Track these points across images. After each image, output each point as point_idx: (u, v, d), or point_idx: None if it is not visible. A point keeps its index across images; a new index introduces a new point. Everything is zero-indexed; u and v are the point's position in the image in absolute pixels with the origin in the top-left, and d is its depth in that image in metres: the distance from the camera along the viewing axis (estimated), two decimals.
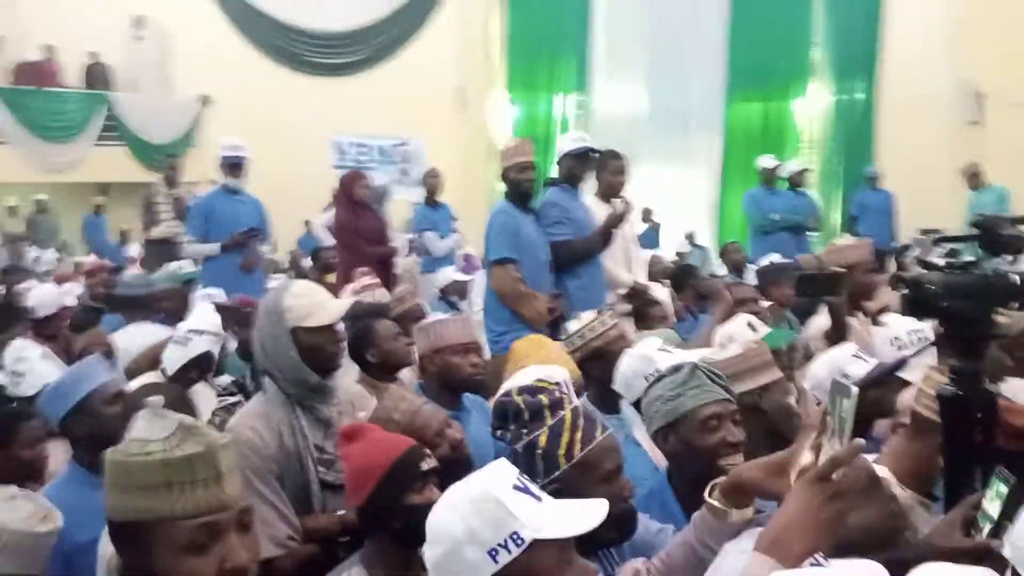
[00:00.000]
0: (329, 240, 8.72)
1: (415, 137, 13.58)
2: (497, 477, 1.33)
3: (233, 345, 4.08)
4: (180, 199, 6.96)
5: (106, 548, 1.96)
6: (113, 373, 2.63)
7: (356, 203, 5.69)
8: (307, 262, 8.81)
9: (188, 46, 13.63)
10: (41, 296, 4.77)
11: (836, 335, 3.32)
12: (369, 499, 1.83)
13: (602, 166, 4.53)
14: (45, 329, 4.58)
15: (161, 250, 6.74)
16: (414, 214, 7.10)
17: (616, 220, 4.32)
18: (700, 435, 1.91)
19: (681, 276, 5.59)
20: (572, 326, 3.01)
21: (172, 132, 13.95)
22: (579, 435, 1.67)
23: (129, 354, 3.56)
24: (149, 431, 1.21)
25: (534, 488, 1.33)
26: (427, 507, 1.79)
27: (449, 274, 6.39)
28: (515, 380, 2.22)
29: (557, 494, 1.38)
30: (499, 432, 1.75)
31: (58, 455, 2.75)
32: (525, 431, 1.69)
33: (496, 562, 1.24)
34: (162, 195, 6.90)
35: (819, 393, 2.57)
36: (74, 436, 2.49)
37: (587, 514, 1.31)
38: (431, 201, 7.07)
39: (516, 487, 1.30)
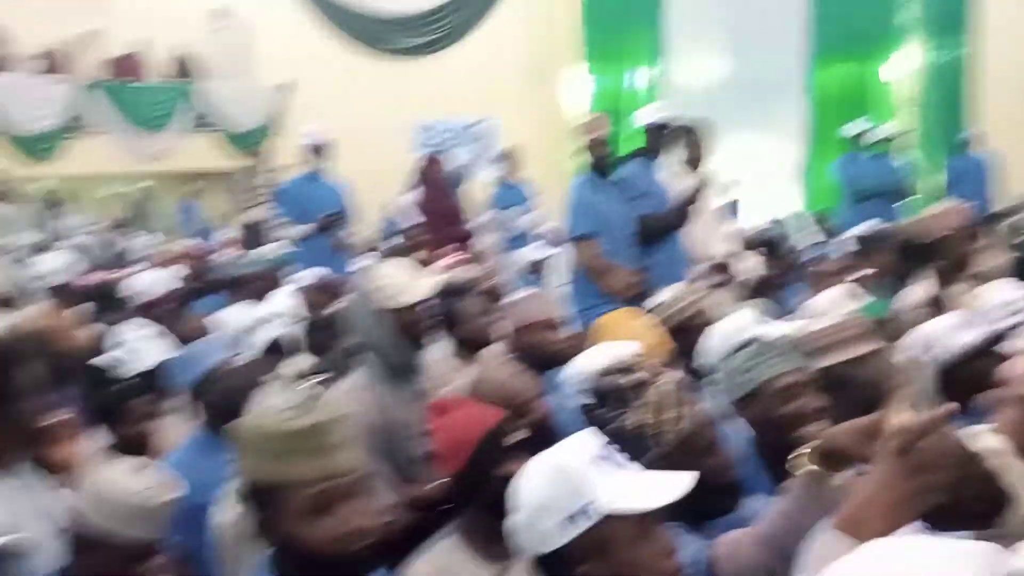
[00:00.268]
0: (412, 220, 8.89)
1: (491, 116, 13.66)
2: (577, 448, 1.34)
3: None
4: (268, 184, 7.16)
5: (221, 515, 2.08)
6: (235, 350, 2.81)
7: (434, 184, 5.75)
8: (392, 242, 8.96)
9: (269, 34, 13.96)
10: (143, 281, 4.99)
11: (936, 304, 3.20)
12: (460, 471, 1.87)
13: (684, 137, 4.46)
14: (147, 312, 4.80)
15: (254, 234, 6.97)
16: (493, 192, 7.12)
17: (697, 193, 4.25)
18: (779, 404, 1.90)
19: (772, 247, 5.47)
20: (662, 297, 2.99)
21: (257, 119, 14.34)
22: (679, 411, 1.65)
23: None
24: (278, 401, 1.31)
25: (617, 459, 1.33)
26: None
27: (530, 251, 6.40)
28: (588, 359, 2.20)
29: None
30: (596, 412, 1.75)
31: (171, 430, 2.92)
32: (623, 411, 1.68)
33: (572, 531, 1.26)
34: (252, 180, 7.10)
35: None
36: (200, 402, 2.65)
37: (666, 488, 1.30)
38: (510, 179, 7.08)
39: (596, 457, 1.31)
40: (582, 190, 4.09)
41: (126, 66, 13.73)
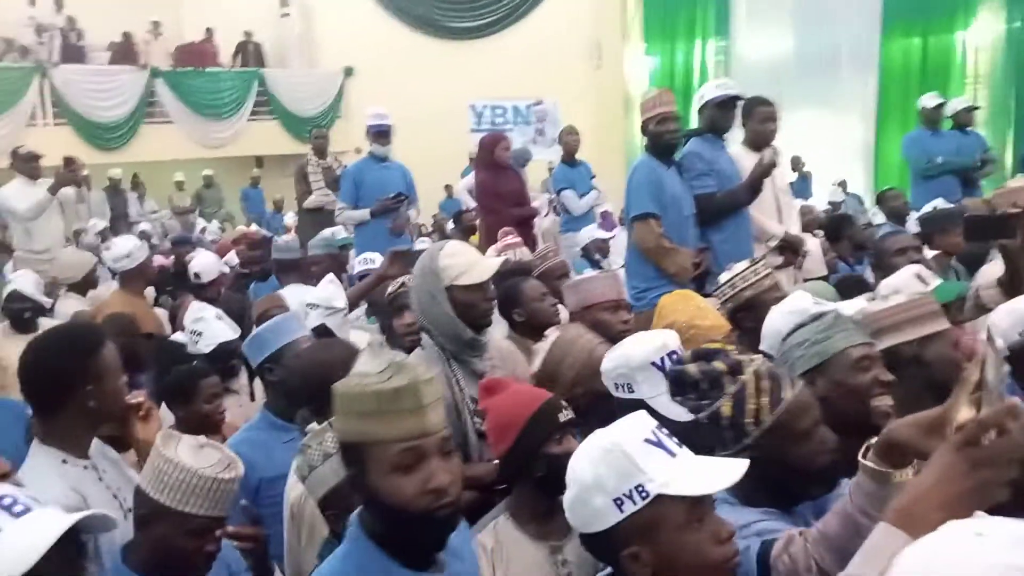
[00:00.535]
0: (471, 203, 8.90)
1: (550, 96, 13.56)
2: (630, 429, 1.34)
3: None
4: (330, 169, 7.24)
5: (291, 491, 2.11)
6: (306, 330, 2.80)
7: (497, 165, 5.72)
8: (450, 225, 9.00)
9: (331, 20, 14.13)
10: (205, 263, 5.09)
11: (1011, 283, 3.06)
12: (510, 450, 1.88)
13: (748, 114, 4.34)
14: (207, 293, 4.91)
15: (314, 218, 7.06)
16: (553, 173, 7.08)
17: (765, 171, 4.13)
18: (852, 374, 1.85)
19: (837, 227, 5.31)
20: (724, 276, 2.93)
21: (319, 105, 14.57)
22: (765, 399, 1.59)
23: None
24: (368, 366, 1.41)
25: (669, 443, 1.33)
26: (566, 457, 1.81)
27: (590, 232, 6.35)
28: (635, 345, 2.11)
29: (753, 462, 1.34)
30: (678, 399, 1.71)
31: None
32: (705, 401, 1.62)
33: (621, 511, 1.27)
34: (313, 165, 7.20)
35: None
36: (267, 381, 2.71)
37: (720, 474, 1.30)
38: (569, 160, 7.01)
39: (648, 440, 1.31)
40: (644, 169, 4.00)
41: (194, 55, 14.06)
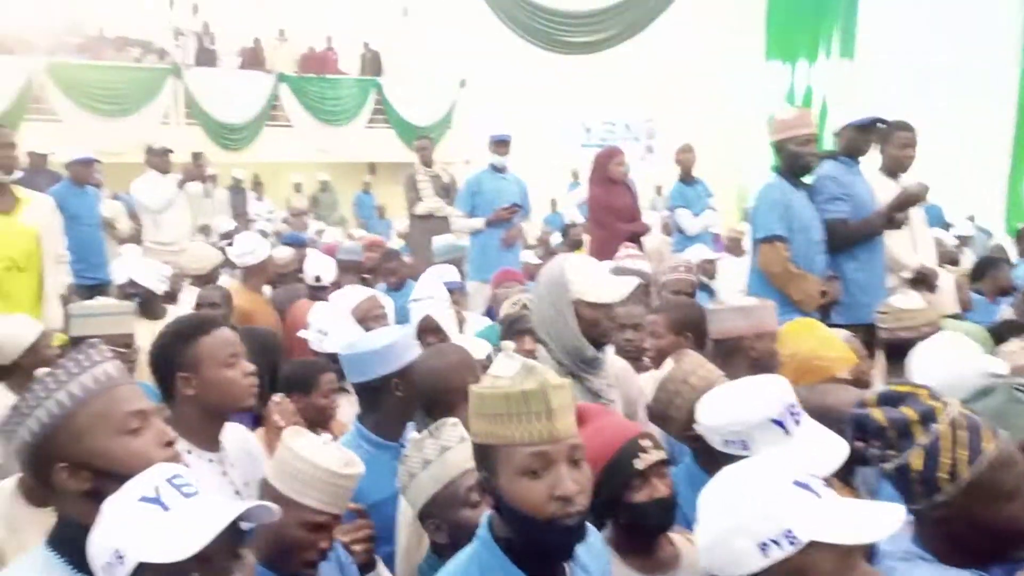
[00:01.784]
0: (578, 217, 8.82)
1: (663, 112, 13.40)
2: (776, 469, 1.27)
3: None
4: (438, 177, 7.31)
5: (406, 513, 2.06)
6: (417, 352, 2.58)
7: (610, 180, 5.64)
8: (555, 239, 8.95)
9: (448, 31, 14.38)
10: (326, 266, 5.18)
11: None
12: (593, 492, 1.79)
13: (887, 138, 4.11)
14: (323, 295, 4.99)
15: (424, 225, 7.14)
16: (669, 191, 6.93)
17: (908, 201, 3.90)
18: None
19: (983, 266, 5.00)
20: (897, 302, 2.73)
21: (433, 114, 14.84)
22: (963, 452, 1.43)
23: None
24: (500, 369, 1.39)
25: (816, 484, 1.25)
26: (651, 504, 1.72)
27: (697, 252, 6.17)
28: (748, 398, 1.90)
29: (944, 521, 1.22)
30: (861, 446, 1.56)
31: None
32: (892, 451, 1.48)
33: (766, 556, 1.20)
34: (421, 174, 7.29)
35: None
36: (368, 400, 2.49)
37: (877, 522, 1.21)
38: (686, 177, 6.85)
39: (797, 483, 1.24)
40: (774, 190, 3.84)
41: (316, 62, 14.57)
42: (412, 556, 2.06)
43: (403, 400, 2.33)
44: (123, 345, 3.04)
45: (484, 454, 1.38)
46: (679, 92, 13.36)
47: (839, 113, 4.33)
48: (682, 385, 2.11)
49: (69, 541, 1.30)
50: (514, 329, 2.74)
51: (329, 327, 3.15)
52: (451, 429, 1.81)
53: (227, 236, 8.92)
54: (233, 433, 2.10)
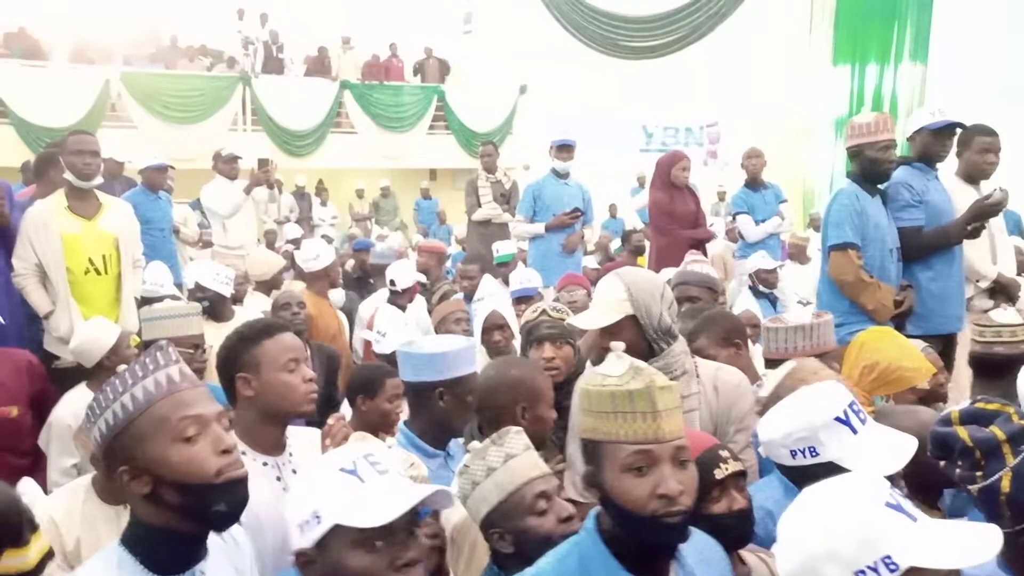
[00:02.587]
0: (638, 223, 8.75)
1: (726, 117, 13.19)
2: (867, 491, 1.20)
3: None
4: (499, 183, 7.32)
5: (452, 515, 2.05)
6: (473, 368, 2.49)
7: (673, 185, 5.56)
8: (614, 244, 8.89)
9: (510, 38, 14.43)
10: (402, 272, 5.19)
11: None
12: None
13: (966, 143, 3.96)
14: (400, 300, 5.02)
15: (482, 230, 7.16)
16: (734, 196, 6.80)
17: (988, 210, 3.75)
18: None
19: None
20: (997, 316, 2.63)
21: (493, 121, 14.91)
22: None
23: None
24: (609, 368, 1.44)
25: (908, 506, 1.19)
26: (730, 516, 1.70)
27: (756, 260, 6.02)
28: (807, 403, 1.86)
29: None
30: (943, 464, 1.51)
31: None
32: (979, 473, 1.44)
33: None
34: (482, 180, 7.30)
35: None
36: (414, 403, 2.45)
37: (977, 545, 1.15)
38: (753, 183, 6.71)
39: (889, 504, 1.18)
40: (847, 196, 3.71)
41: (379, 69, 14.78)
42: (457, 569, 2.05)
43: (446, 410, 2.30)
44: (192, 346, 3.10)
45: (590, 449, 1.43)
46: (743, 96, 13.14)
47: (911, 118, 4.16)
48: (804, 383, 2.03)
49: (140, 540, 1.33)
50: (532, 337, 2.66)
51: (388, 329, 3.18)
52: (516, 436, 1.78)
53: (294, 241, 9.11)
54: (307, 438, 2.11)
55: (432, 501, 1.32)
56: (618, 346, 1.50)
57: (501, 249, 6.34)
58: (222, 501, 1.32)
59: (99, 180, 3.97)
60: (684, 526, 1.37)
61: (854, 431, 1.79)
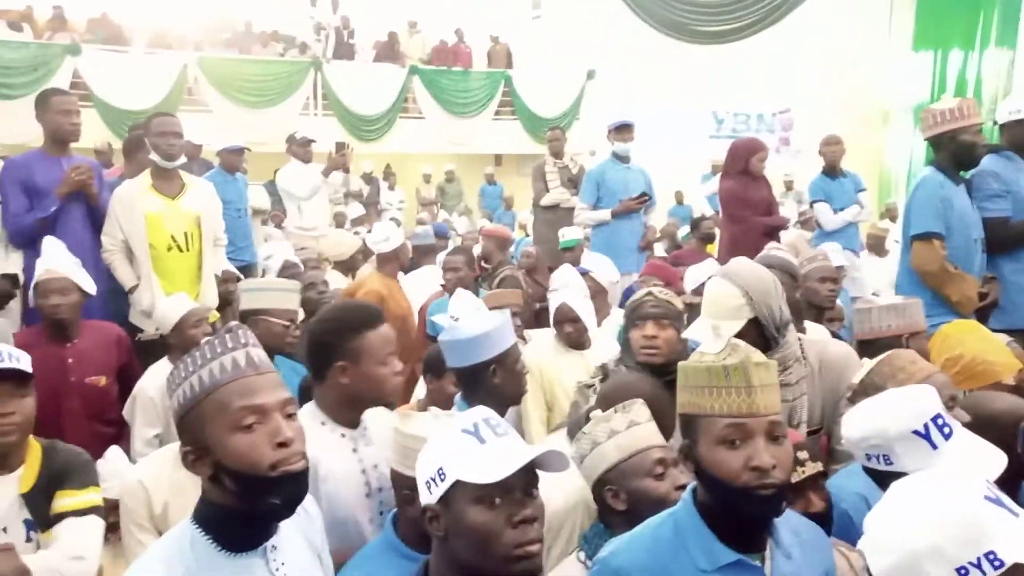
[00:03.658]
0: (708, 210, 8.61)
1: (799, 103, 12.86)
2: (966, 486, 1.18)
3: None
4: (566, 168, 7.29)
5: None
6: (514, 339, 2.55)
7: (749, 174, 5.45)
8: (681, 232, 8.77)
9: (578, 22, 14.32)
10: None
11: None
12: None
13: None
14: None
15: (550, 216, 7.14)
16: (811, 184, 6.62)
17: None
18: None
19: None
20: None
21: (560, 106, 14.84)
22: None
23: None
24: (707, 346, 1.50)
25: (1008, 501, 1.16)
26: (808, 517, 1.69)
27: (827, 250, 5.87)
28: (889, 409, 1.77)
29: None
30: None
31: None
32: None
33: None
34: (550, 165, 7.27)
35: None
36: (468, 386, 2.50)
37: None
38: (830, 171, 6.52)
39: (988, 498, 1.16)
40: (931, 184, 3.60)
41: (448, 54, 14.85)
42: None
43: (501, 384, 2.38)
44: (288, 320, 3.21)
45: (688, 423, 1.49)
46: (818, 83, 12.80)
47: (1001, 105, 4.00)
48: (889, 380, 2.00)
49: (210, 519, 1.33)
50: (636, 315, 2.61)
51: (461, 313, 3.22)
52: (641, 408, 1.89)
53: (359, 223, 9.26)
54: (381, 416, 2.16)
55: (546, 463, 1.35)
56: (717, 327, 1.52)
57: (567, 235, 6.32)
58: (276, 495, 1.29)
59: (182, 160, 4.10)
60: (777, 499, 1.41)
61: (934, 446, 1.69)
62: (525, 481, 1.33)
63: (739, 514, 1.44)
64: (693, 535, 1.46)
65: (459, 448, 1.33)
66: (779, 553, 1.47)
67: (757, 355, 1.45)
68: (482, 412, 1.39)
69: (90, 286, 3.32)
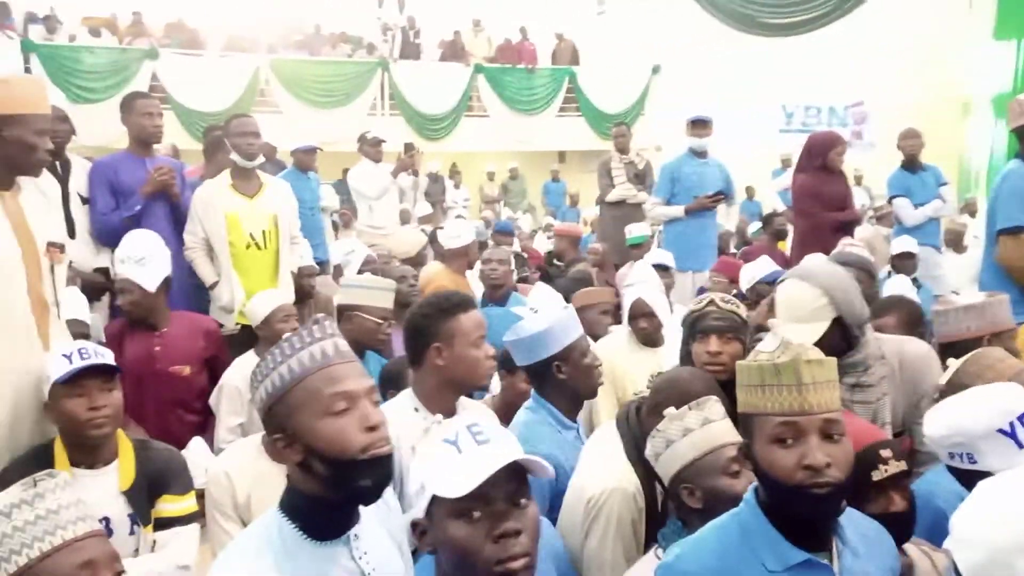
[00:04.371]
0: (780, 205, 8.45)
1: (872, 95, 12.49)
2: None
3: None
4: (632, 164, 7.24)
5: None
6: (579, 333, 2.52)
7: (825, 168, 5.31)
8: (751, 228, 8.63)
9: (643, 17, 14.19)
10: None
11: None
12: None
13: None
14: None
15: (616, 212, 7.10)
16: (889, 178, 6.41)
17: None
18: None
19: None
20: None
21: (624, 102, 14.75)
22: None
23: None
24: (764, 345, 1.49)
25: None
26: (884, 517, 1.65)
27: (900, 244, 5.69)
28: (972, 407, 1.76)
29: None
30: None
31: None
32: None
33: None
34: (616, 161, 7.23)
35: None
36: (537, 383, 2.48)
37: None
38: (909, 165, 6.32)
39: None
40: (1017, 176, 3.47)
41: (512, 52, 14.88)
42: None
43: (569, 379, 2.37)
44: (382, 318, 3.32)
45: (745, 422, 1.49)
46: (892, 74, 12.41)
47: None
48: (977, 379, 1.95)
49: (296, 507, 1.36)
50: (698, 328, 2.49)
51: (541, 306, 3.24)
52: (715, 405, 1.86)
53: (425, 221, 9.36)
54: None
55: (530, 468, 1.26)
56: (775, 324, 1.51)
57: (634, 231, 6.27)
58: (367, 477, 1.32)
59: (261, 160, 4.20)
60: (833, 498, 1.38)
61: (1020, 445, 1.66)
62: (509, 491, 1.23)
63: (796, 513, 1.42)
64: (760, 536, 1.45)
65: (437, 460, 1.25)
66: (847, 551, 1.45)
67: (811, 352, 1.43)
68: (467, 419, 1.31)
69: (150, 282, 3.30)
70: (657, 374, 2.58)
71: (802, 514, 1.42)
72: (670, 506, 1.95)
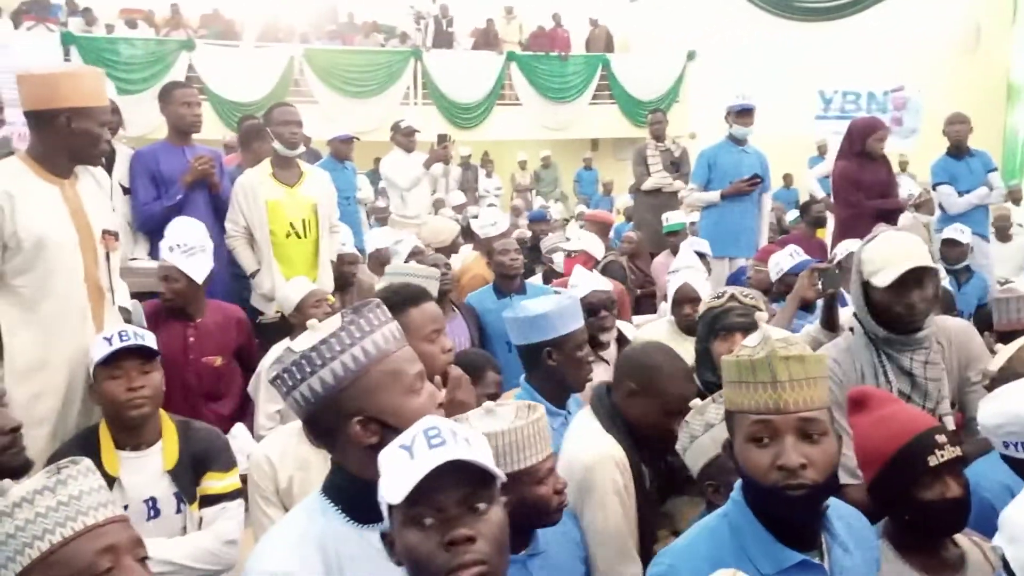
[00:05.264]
0: (818, 192, 8.31)
1: (914, 81, 12.20)
2: None
3: None
4: (668, 151, 7.17)
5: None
6: (581, 324, 2.52)
7: (866, 155, 5.21)
8: (789, 216, 8.51)
9: (678, 2, 14.02)
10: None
11: None
12: (872, 484, 1.68)
13: None
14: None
15: (651, 200, 7.05)
16: (934, 165, 6.27)
17: None
18: None
19: None
20: None
21: (659, 89, 14.60)
22: None
23: None
24: (749, 340, 1.43)
25: None
26: (941, 503, 1.61)
27: (949, 232, 5.58)
28: None
29: None
30: None
31: None
32: None
33: None
34: (651, 148, 7.17)
35: None
36: (527, 364, 2.51)
37: None
38: (956, 151, 6.17)
39: None
40: None
41: (545, 40, 14.80)
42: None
43: (558, 368, 2.36)
44: None
45: (727, 419, 1.46)
46: (933, 58, 12.14)
47: None
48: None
49: (343, 490, 1.35)
50: (718, 326, 2.48)
51: (580, 282, 3.24)
52: None
53: (459, 209, 9.37)
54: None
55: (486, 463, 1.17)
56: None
57: (671, 219, 6.22)
58: None
59: (302, 149, 4.22)
60: (809, 500, 1.35)
61: None
62: (462, 495, 1.13)
63: (773, 514, 1.38)
64: (751, 538, 1.40)
65: (391, 466, 1.17)
66: (836, 547, 1.42)
67: (792, 349, 1.36)
68: (425, 423, 1.20)
69: (198, 273, 3.30)
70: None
71: (780, 515, 1.39)
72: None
